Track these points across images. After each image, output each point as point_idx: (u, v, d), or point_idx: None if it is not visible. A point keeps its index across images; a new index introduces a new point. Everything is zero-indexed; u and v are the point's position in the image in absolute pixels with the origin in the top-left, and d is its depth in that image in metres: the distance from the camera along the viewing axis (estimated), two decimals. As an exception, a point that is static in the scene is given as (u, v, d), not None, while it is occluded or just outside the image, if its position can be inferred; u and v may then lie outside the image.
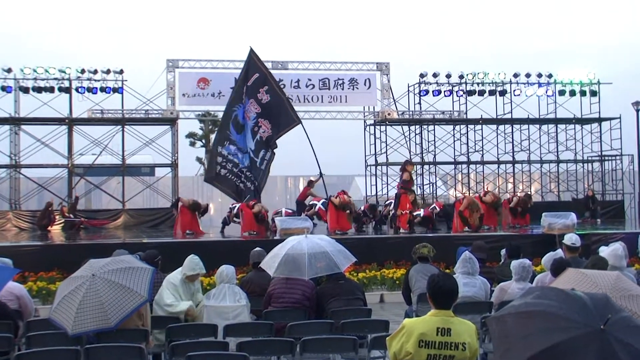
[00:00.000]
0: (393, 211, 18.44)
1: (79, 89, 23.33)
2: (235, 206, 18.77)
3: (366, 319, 7.33)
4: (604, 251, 7.86)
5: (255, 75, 20.11)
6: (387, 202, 20.47)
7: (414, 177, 20.52)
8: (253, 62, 20.28)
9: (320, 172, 20.53)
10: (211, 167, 20.76)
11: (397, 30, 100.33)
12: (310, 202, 19.60)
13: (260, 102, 19.92)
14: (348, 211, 17.70)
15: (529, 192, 23.78)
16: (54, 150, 23.74)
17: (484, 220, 17.91)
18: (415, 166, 20.09)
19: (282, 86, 22.00)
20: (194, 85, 23.81)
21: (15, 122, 23.55)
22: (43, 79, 23.14)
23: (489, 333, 6.65)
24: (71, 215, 21.53)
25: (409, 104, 26.47)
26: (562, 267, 6.58)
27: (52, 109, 23.43)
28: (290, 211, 19.48)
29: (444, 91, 25.96)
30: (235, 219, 18.52)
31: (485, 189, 22.72)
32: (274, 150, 20.13)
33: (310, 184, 21.01)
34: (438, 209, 19.13)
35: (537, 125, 27.37)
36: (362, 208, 19.74)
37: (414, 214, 17.84)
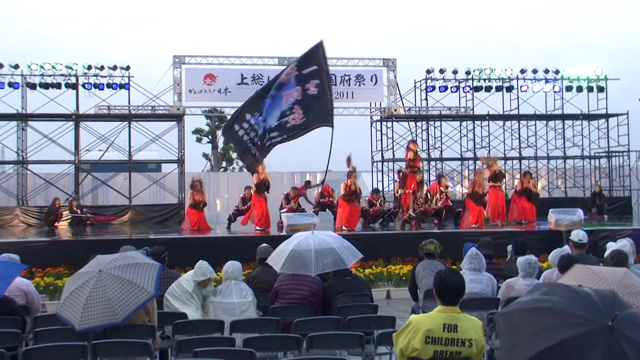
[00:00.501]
0: (400, 191, 18.51)
1: (86, 85, 23.33)
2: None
3: (373, 315, 7.32)
4: (611, 247, 7.82)
5: (313, 66, 20.08)
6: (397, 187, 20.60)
7: (421, 163, 20.40)
8: (316, 54, 20.25)
9: (325, 177, 20.47)
10: (232, 128, 20.24)
11: (403, 26, 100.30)
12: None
13: (305, 92, 19.84)
14: (353, 182, 17.63)
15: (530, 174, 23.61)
16: (61, 146, 23.78)
17: (491, 213, 17.91)
18: (417, 145, 20.00)
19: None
20: (200, 82, 23.79)
21: (22, 118, 23.59)
22: (50, 75, 23.16)
23: (495, 329, 6.64)
24: (78, 211, 21.63)
25: (416, 100, 26.43)
26: (569, 263, 6.57)
27: (59, 105, 23.46)
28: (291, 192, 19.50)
29: (451, 87, 25.86)
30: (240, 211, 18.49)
31: None
32: (289, 140, 20.09)
33: (307, 184, 20.90)
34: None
35: (544, 122, 27.27)
36: (367, 199, 19.67)
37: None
